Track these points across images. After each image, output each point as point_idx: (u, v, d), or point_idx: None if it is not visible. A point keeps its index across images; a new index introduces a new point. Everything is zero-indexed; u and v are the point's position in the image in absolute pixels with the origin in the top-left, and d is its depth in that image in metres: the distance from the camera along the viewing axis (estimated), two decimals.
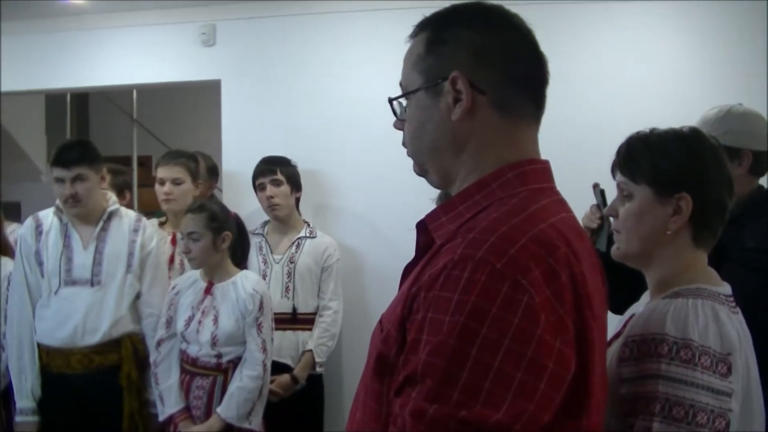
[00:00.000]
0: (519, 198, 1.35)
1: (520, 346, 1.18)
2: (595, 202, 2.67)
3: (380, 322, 1.39)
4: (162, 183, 4.22)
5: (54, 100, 8.26)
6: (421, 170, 1.50)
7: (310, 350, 4.20)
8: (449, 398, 1.17)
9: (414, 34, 1.47)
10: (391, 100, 1.51)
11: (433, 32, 1.43)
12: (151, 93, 8.11)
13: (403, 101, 1.49)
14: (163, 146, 7.68)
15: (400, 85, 1.48)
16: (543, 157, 1.45)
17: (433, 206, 1.45)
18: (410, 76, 1.45)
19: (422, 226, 1.43)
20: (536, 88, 1.44)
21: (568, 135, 4.17)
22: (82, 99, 8.95)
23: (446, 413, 1.17)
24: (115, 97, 8.35)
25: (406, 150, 1.50)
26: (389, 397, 1.28)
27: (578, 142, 4.27)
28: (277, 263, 4.29)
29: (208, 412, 3.52)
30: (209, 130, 6.06)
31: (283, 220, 4.37)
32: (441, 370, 1.19)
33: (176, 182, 4.19)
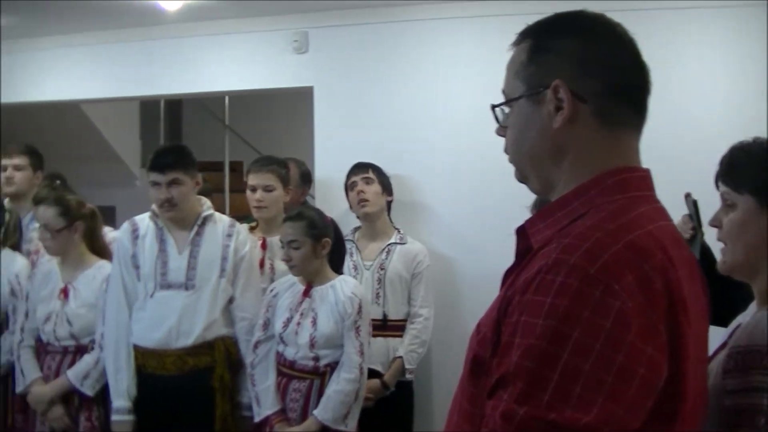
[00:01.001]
0: (617, 205, 1.35)
1: (611, 351, 1.19)
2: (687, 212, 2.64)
3: (478, 325, 1.42)
4: (254, 190, 4.26)
5: (148, 106, 8.48)
6: (522, 177, 1.51)
7: (401, 357, 4.23)
8: (539, 400, 1.19)
9: (517, 42, 1.49)
10: (493, 107, 1.52)
11: (535, 40, 1.45)
12: (243, 99, 8.26)
13: (506, 108, 1.50)
14: (254, 152, 7.78)
15: (503, 92, 1.50)
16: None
17: (528, 213, 1.47)
18: (512, 84, 1.47)
19: (521, 232, 1.45)
20: (638, 97, 1.44)
21: (659, 143, 4.12)
22: (175, 105, 9.15)
23: (536, 415, 1.18)
24: (208, 103, 8.52)
25: (507, 157, 1.52)
26: (483, 399, 1.30)
27: (670, 153, 4.22)
28: (368, 269, 4.33)
29: (304, 415, 3.58)
30: (301, 137, 6.16)
31: (373, 222, 4.42)
32: (532, 372, 1.21)
33: (267, 189, 4.24)
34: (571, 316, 1.21)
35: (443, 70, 4.76)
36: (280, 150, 5.37)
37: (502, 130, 1.52)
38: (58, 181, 4.63)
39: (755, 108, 4.18)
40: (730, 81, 4.47)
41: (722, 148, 1.85)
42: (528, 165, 1.48)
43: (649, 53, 1.45)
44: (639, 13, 4.20)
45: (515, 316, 1.27)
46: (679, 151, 4.24)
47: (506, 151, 1.52)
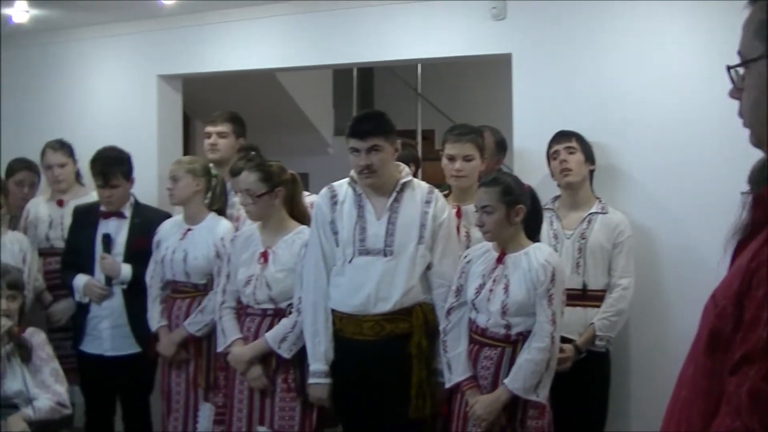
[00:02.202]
0: None
1: None
2: None
3: (713, 296, 1.35)
4: (452, 159, 4.22)
5: (341, 74, 8.63)
6: (757, 141, 1.43)
7: (593, 323, 4.16)
8: None
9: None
10: (729, 68, 1.45)
11: None
12: (435, 67, 8.28)
13: (741, 69, 1.43)
14: (446, 120, 7.81)
15: (739, 53, 1.42)
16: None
17: (748, 185, 1.40)
18: (751, 44, 1.39)
19: (761, 200, 1.37)
20: None
21: None
22: (367, 73, 9.28)
23: None
24: (400, 71, 8.59)
25: (741, 121, 1.44)
26: (722, 375, 1.24)
27: None
28: (568, 238, 4.26)
29: (495, 383, 3.58)
30: (494, 104, 6.12)
31: (575, 191, 4.33)
32: None
33: (467, 159, 4.20)
34: None
35: (649, 35, 4.59)
36: (473, 118, 5.35)
37: (737, 93, 1.44)
38: (253, 152, 4.79)
39: None
40: None
41: None
42: (766, 129, 1.40)
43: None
44: None
45: (763, 289, 1.21)
46: None
47: (740, 114, 1.44)
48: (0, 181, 4.93)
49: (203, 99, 6.77)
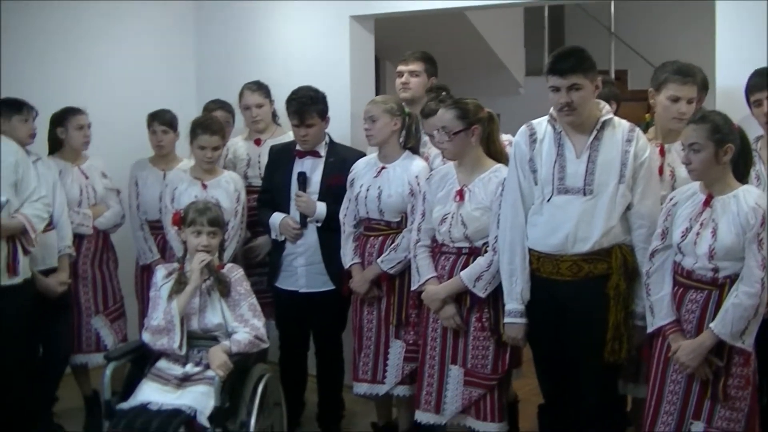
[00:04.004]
0: None
1: None
2: None
3: None
4: (675, 101, 4.10)
5: (532, 13, 8.56)
6: None
7: None
8: None
9: None
10: None
11: None
12: (628, 6, 8.10)
13: None
14: (641, 60, 7.65)
15: None
16: None
17: None
18: None
19: None
20: None
21: None
22: (558, 11, 9.17)
23: None
24: (592, 10, 8.45)
25: None
26: None
27: None
28: None
29: (700, 328, 3.52)
30: (693, 43, 5.93)
31: None
32: None
33: (690, 101, 4.10)
34: None
35: None
36: (671, 57, 5.21)
37: None
38: (443, 93, 4.83)
39: None
40: None
41: None
42: None
43: None
44: None
45: None
46: None
47: None
48: (218, 123, 5.14)
49: (393, 40, 6.87)
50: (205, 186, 5.08)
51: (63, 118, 5.20)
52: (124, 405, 3.99)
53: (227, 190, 5.10)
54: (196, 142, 5.02)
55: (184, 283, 4.22)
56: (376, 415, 5.02)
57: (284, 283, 5.08)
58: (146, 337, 4.22)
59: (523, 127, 3.97)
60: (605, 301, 3.76)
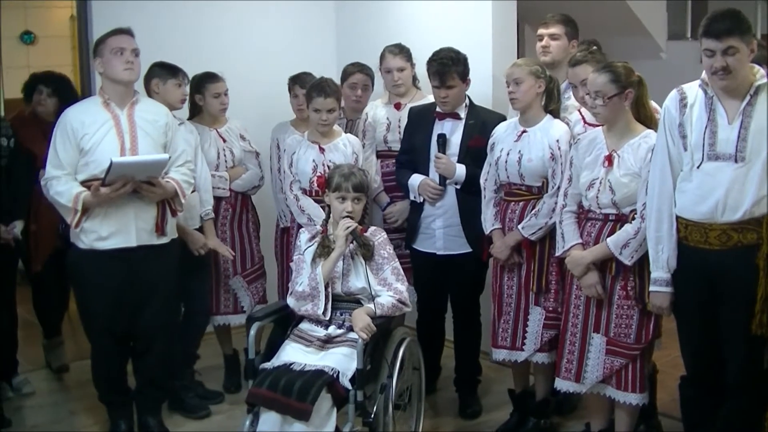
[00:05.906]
0: None
1: None
2: None
3: None
4: None
5: None
6: None
7: None
8: None
9: None
10: None
11: None
12: None
13: None
14: None
15: None
16: None
17: None
18: None
19: None
20: None
21: None
22: None
23: None
24: None
25: None
26: None
27: None
28: None
29: None
30: None
31: None
32: None
33: None
34: None
35: None
36: None
37: None
38: (594, 47, 4.81)
39: None
40: None
41: None
42: None
43: None
44: None
45: None
46: None
47: None
48: (333, 86, 5.19)
49: (534, 3, 6.82)
50: (322, 150, 5.17)
51: (201, 85, 5.37)
52: (267, 365, 4.14)
53: (345, 153, 5.16)
54: (311, 105, 5.09)
55: (327, 246, 4.33)
56: (513, 382, 5.06)
57: (422, 245, 5.18)
58: (291, 302, 4.36)
59: (674, 92, 3.91)
60: (755, 272, 3.70)
